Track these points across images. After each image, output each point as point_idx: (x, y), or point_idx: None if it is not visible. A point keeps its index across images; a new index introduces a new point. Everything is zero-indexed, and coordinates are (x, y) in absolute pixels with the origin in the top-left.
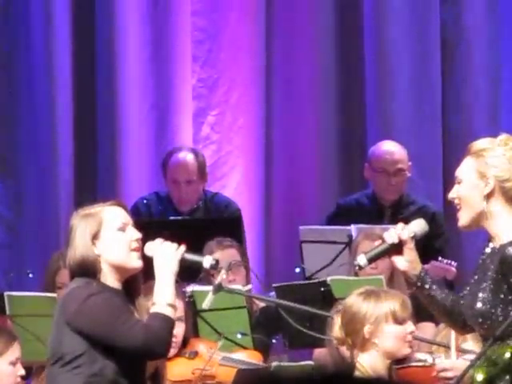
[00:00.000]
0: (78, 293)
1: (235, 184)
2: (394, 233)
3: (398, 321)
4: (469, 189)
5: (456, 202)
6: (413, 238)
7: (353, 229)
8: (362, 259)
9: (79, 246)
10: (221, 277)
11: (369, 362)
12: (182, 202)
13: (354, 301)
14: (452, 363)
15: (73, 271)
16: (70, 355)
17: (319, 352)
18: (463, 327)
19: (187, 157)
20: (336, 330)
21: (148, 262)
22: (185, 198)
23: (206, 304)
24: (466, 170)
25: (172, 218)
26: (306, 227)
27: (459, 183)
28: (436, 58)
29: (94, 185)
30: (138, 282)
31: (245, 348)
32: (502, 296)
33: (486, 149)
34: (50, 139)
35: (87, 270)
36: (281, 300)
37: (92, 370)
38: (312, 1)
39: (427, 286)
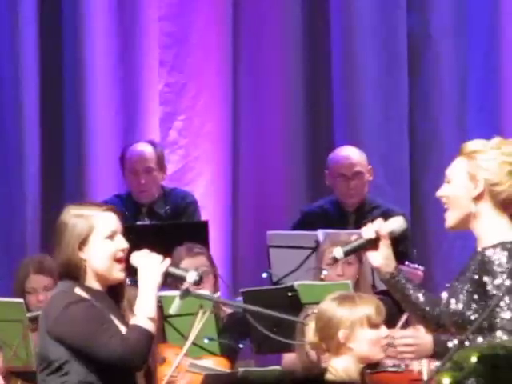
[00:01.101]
0: (58, 301)
1: (203, 189)
2: (372, 228)
3: (373, 325)
4: (458, 189)
5: (444, 200)
6: (391, 234)
7: (320, 234)
8: (338, 252)
9: (66, 248)
10: (188, 282)
11: (342, 366)
12: (141, 193)
13: (329, 306)
14: (413, 333)
15: (59, 272)
16: (56, 362)
17: (288, 357)
18: (436, 328)
19: (145, 147)
20: (310, 334)
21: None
22: (144, 188)
23: (173, 309)
24: (456, 170)
25: (139, 223)
26: (273, 232)
27: (448, 182)
28: (403, 61)
29: (60, 189)
30: (122, 285)
31: (212, 353)
32: (476, 297)
33: (478, 151)
34: (17, 141)
35: (71, 272)
36: (248, 305)
37: (78, 377)
38: (279, 5)
39: (401, 284)
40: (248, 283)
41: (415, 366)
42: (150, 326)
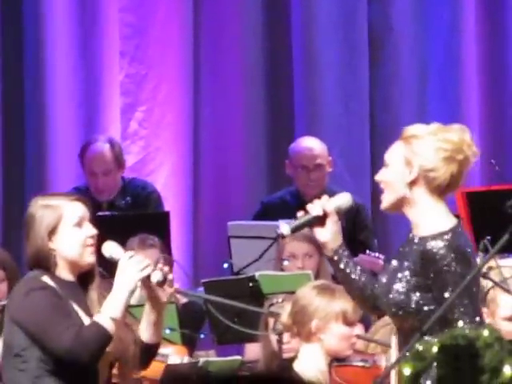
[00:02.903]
0: (21, 288)
1: (163, 180)
2: (319, 205)
3: (348, 322)
4: (394, 174)
5: (381, 185)
6: (337, 210)
7: (280, 224)
8: (285, 228)
9: (35, 239)
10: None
11: (311, 354)
12: (100, 193)
13: (308, 293)
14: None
15: (29, 262)
16: (16, 349)
17: (251, 348)
18: (373, 309)
19: (103, 148)
20: (284, 316)
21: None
22: (102, 188)
23: (134, 299)
24: (393, 154)
25: (100, 213)
26: (234, 223)
27: (386, 167)
28: (364, 55)
29: (21, 181)
30: (92, 273)
31: (172, 343)
32: (418, 288)
33: (415, 136)
34: None
35: (41, 262)
36: (210, 295)
37: (37, 364)
38: None
39: (343, 261)
40: (209, 273)
41: (382, 361)
42: (110, 326)
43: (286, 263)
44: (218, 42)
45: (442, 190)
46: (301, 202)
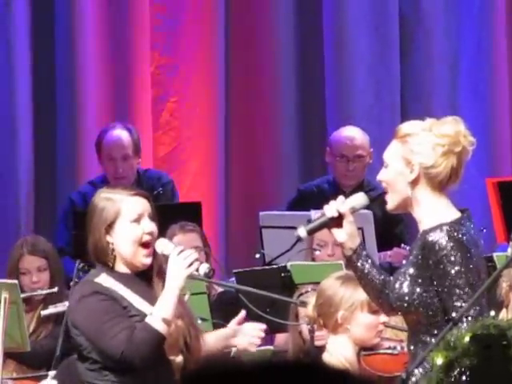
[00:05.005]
0: (75, 293)
1: (195, 170)
2: (334, 206)
3: (373, 310)
4: (395, 174)
5: (384, 185)
6: (352, 211)
7: (312, 214)
8: (301, 231)
9: (94, 231)
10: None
11: (339, 345)
12: (118, 179)
13: (332, 283)
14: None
15: (90, 254)
16: (85, 351)
17: (281, 337)
18: (390, 309)
19: (121, 133)
20: (309, 308)
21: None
22: (121, 174)
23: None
24: (391, 154)
25: None
26: (265, 213)
27: (386, 167)
28: (395, 46)
29: (53, 172)
30: (149, 273)
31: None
32: (420, 281)
33: (410, 134)
34: (10, 127)
35: (100, 255)
36: (241, 286)
37: (107, 362)
38: None
39: (361, 261)
40: (241, 264)
41: None
42: (162, 328)
43: (317, 253)
44: (248, 32)
45: (443, 185)
46: (338, 191)
